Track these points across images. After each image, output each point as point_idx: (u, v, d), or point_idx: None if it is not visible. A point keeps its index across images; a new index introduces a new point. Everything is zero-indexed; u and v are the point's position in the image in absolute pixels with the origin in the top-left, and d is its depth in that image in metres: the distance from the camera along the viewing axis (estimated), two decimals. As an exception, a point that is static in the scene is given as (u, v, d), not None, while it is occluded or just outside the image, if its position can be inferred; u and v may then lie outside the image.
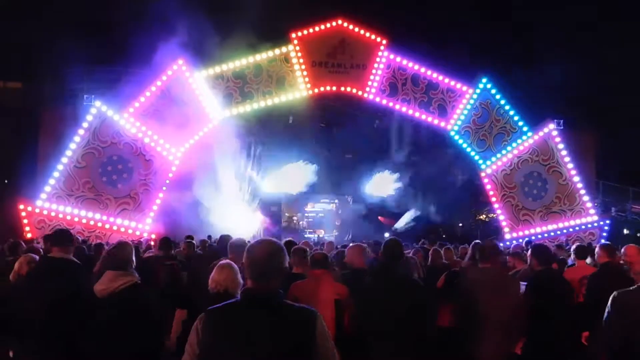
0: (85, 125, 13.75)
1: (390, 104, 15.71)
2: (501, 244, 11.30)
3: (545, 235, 15.16)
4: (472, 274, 4.57)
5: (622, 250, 5.49)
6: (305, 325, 2.21)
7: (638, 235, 17.17)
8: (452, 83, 15.87)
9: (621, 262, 5.52)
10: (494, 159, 15.69)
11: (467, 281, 4.46)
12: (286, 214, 24.81)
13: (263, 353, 2.13)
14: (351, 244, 5.07)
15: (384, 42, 15.56)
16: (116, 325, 3.09)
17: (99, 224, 13.46)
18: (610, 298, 3.33)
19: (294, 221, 24.94)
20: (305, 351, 2.18)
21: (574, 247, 7.10)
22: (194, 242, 8.63)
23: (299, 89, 15.27)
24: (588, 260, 6.66)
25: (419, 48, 16.39)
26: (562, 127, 15.96)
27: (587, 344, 5.08)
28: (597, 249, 5.83)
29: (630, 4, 20.34)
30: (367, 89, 15.52)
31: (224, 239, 6.88)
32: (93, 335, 3.37)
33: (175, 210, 14.12)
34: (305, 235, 22.78)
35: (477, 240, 6.46)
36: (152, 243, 11.15)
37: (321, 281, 3.97)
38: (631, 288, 3.35)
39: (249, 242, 5.19)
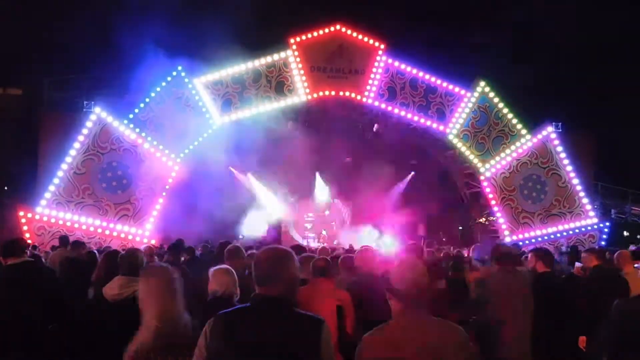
0: (85, 131, 13.76)
1: (389, 108, 15.74)
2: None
3: (545, 238, 15.15)
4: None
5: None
6: (311, 333, 2.23)
7: (638, 237, 17.14)
8: (451, 87, 15.92)
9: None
10: (493, 162, 15.72)
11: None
12: (286, 218, 24.70)
13: (269, 358, 2.15)
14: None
15: (382, 46, 15.61)
16: (128, 330, 3.10)
17: (99, 230, 13.45)
18: (613, 306, 3.35)
19: (294, 224, 24.84)
20: (311, 358, 2.20)
21: (570, 248, 7.14)
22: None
23: (298, 94, 15.32)
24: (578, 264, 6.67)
25: (417, 52, 16.47)
26: (560, 130, 16.02)
27: (585, 349, 5.09)
28: (583, 253, 5.84)
29: (629, 5, 20.45)
30: (366, 93, 15.56)
31: (223, 245, 6.87)
32: (103, 338, 3.38)
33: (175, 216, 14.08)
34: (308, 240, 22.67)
35: (478, 244, 6.48)
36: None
37: (322, 287, 4.00)
38: (632, 296, 3.38)
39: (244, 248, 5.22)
